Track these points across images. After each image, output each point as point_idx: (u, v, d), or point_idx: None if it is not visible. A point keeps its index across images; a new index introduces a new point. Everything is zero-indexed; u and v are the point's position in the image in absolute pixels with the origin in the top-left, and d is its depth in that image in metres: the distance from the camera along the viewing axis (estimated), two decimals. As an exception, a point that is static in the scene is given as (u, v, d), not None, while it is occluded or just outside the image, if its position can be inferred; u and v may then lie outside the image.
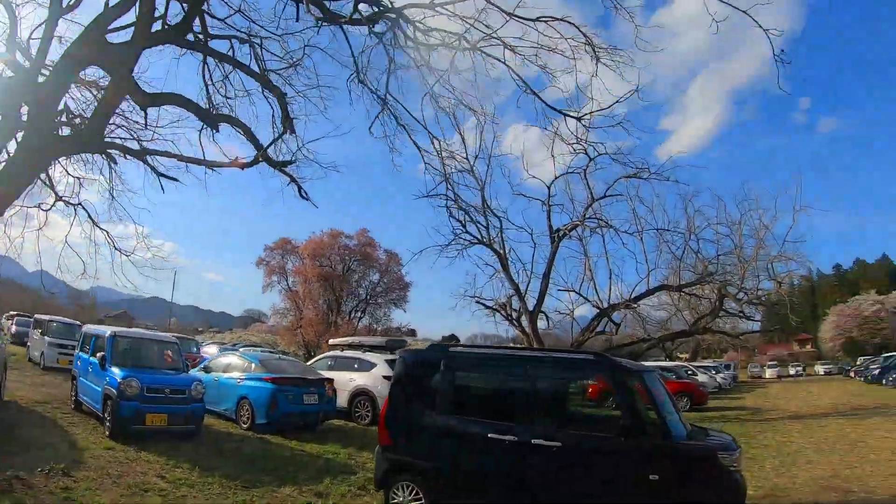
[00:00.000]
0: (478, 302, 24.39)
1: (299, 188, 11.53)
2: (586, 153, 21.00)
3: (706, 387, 35.57)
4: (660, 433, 6.43)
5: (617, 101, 13.81)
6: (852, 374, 51.23)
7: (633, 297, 21.89)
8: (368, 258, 58.36)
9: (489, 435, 6.82)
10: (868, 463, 11.67)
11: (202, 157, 11.42)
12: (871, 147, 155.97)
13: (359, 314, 60.52)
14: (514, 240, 27.94)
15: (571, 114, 12.90)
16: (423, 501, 7.05)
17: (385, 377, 14.42)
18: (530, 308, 22.65)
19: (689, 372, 36.73)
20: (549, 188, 22.86)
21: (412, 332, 71.38)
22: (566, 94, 12.36)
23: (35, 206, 13.65)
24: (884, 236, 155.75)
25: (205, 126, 11.04)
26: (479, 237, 22.81)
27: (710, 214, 22.30)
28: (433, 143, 13.22)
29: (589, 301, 22.71)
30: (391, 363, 14.39)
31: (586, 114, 13.20)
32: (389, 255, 57.78)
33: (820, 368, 67.36)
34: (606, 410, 9.74)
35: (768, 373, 63.51)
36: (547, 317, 23.88)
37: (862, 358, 58.86)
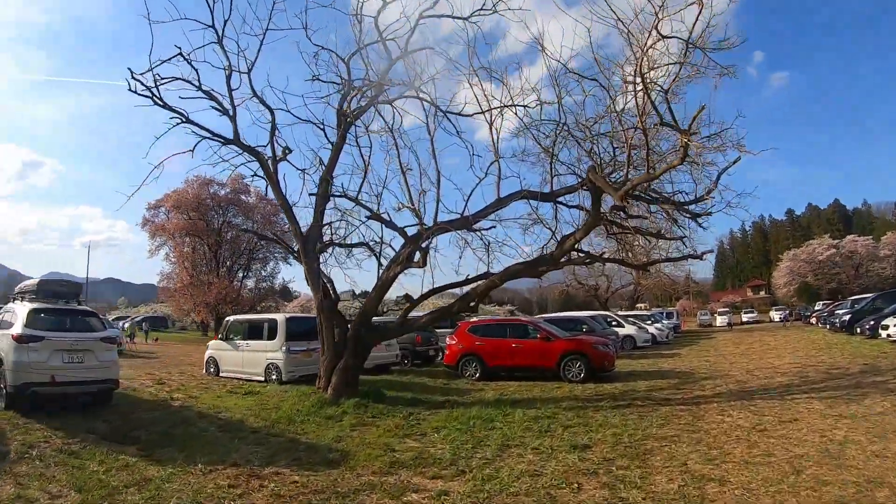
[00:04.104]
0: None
1: None
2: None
3: (634, 341, 27.72)
4: None
5: None
6: (813, 321, 43.30)
7: (466, 212, 12.64)
8: (241, 206, 48.21)
9: None
10: None
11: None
12: (818, 100, 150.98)
13: (241, 273, 50.75)
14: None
15: None
16: None
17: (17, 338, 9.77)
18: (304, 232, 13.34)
19: (613, 322, 28.57)
20: (346, 63, 13.14)
21: (286, 291, 61.29)
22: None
23: None
24: (835, 183, 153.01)
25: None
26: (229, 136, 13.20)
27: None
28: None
29: (379, 218, 13.32)
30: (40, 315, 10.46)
31: None
32: (270, 203, 47.63)
33: (775, 314, 60.11)
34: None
35: (718, 320, 55.82)
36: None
37: (821, 303, 51.92)
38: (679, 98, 10.06)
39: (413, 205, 12.83)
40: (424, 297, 13.11)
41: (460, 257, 13.47)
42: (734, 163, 10.26)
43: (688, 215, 12.18)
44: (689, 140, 8.34)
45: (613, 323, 28.74)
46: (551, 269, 13.20)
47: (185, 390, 13.66)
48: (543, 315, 33.15)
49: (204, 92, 12.69)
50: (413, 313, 14.79)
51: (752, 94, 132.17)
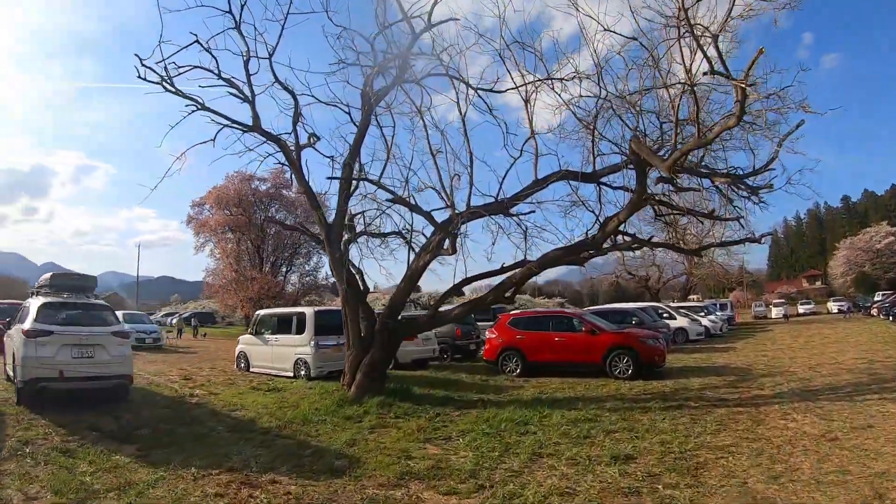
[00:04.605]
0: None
1: None
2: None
3: (686, 334, 26.23)
4: None
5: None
6: (874, 312, 40.72)
7: (500, 195, 11.72)
8: (283, 201, 48.19)
9: None
10: None
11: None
12: (873, 82, 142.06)
13: (284, 268, 50.83)
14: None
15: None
16: None
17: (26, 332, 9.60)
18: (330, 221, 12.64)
19: (664, 314, 27.08)
20: (370, 42, 11.86)
21: (335, 286, 60.96)
22: None
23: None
24: (892, 168, 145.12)
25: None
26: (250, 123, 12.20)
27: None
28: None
29: (404, 202, 12.34)
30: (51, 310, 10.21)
31: None
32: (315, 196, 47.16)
33: (833, 306, 56.94)
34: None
35: (774, 312, 53.01)
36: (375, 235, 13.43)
37: (880, 293, 48.90)
38: (732, 40, 8.75)
39: (443, 188, 11.96)
40: (457, 286, 12.23)
41: (493, 244, 12.48)
42: (798, 126, 8.95)
43: (745, 192, 10.85)
44: (745, 87, 7.07)
45: (665, 315, 27.23)
46: (594, 254, 12.11)
47: (208, 386, 13.22)
48: (591, 307, 31.79)
49: (224, 79, 12.02)
50: (448, 305, 13.98)
51: (802, 76, 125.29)
